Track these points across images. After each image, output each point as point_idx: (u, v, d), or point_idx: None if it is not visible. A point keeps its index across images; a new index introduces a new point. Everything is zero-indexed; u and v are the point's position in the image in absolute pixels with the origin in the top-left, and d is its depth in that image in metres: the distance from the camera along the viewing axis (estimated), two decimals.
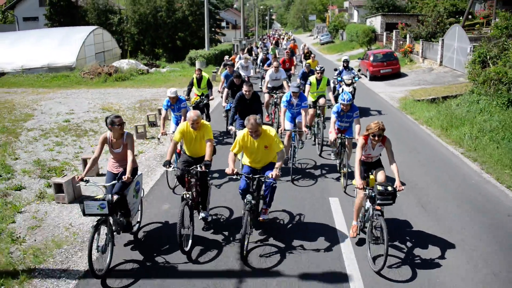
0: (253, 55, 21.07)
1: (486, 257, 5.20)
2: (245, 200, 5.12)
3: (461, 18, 26.96)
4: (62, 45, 25.75)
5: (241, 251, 5.01)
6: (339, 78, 12.37)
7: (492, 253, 5.30)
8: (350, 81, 11.90)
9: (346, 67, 12.62)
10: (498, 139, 9.68)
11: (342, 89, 12.00)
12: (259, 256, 5.23)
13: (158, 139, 8.29)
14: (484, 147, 9.30)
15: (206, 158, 5.43)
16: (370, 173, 5.53)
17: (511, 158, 8.38)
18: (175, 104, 7.91)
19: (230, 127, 7.71)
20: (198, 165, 5.45)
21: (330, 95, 9.72)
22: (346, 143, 7.33)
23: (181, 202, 5.31)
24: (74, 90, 18.29)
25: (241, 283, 4.78)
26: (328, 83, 9.67)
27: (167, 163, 5.51)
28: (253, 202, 5.12)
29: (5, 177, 7.95)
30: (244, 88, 7.63)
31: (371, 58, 20.60)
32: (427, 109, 13.10)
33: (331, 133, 7.29)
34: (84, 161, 7.97)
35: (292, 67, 14.80)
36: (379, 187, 4.85)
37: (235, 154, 5.41)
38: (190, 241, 5.40)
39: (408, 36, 26.30)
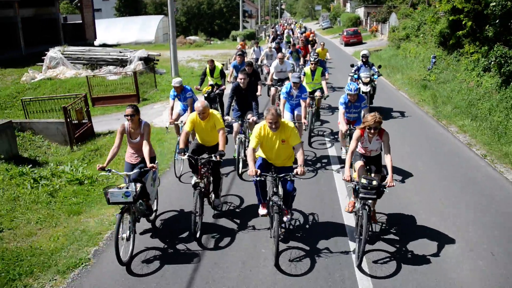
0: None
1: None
2: (271, 202, 4.96)
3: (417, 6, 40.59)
4: (143, 28, 39.13)
5: (276, 254, 4.82)
6: (356, 76, 11.09)
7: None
8: (368, 79, 10.76)
9: (366, 63, 11.18)
10: (388, 61, 23.44)
11: (359, 88, 10.84)
12: (289, 261, 5.00)
13: (166, 128, 8.37)
14: (378, 62, 23.16)
15: (220, 148, 5.46)
16: (369, 169, 5.41)
17: (385, 64, 22.26)
18: (181, 94, 7.90)
19: (226, 117, 7.22)
20: (212, 155, 5.51)
21: (324, 85, 9.36)
22: None
23: (194, 190, 5.39)
24: None
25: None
26: (323, 74, 9.41)
27: (182, 151, 5.56)
28: (279, 203, 4.88)
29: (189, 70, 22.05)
30: (240, 76, 7.42)
31: (345, 33, 34.87)
32: None
33: (341, 124, 7.15)
34: None
35: (308, 55, 15.09)
36: (363, 180, 4.72)
37: (254, 150, 5.07)
38: (199, 229, 5.41)
39: (374, 20, 40.11)
